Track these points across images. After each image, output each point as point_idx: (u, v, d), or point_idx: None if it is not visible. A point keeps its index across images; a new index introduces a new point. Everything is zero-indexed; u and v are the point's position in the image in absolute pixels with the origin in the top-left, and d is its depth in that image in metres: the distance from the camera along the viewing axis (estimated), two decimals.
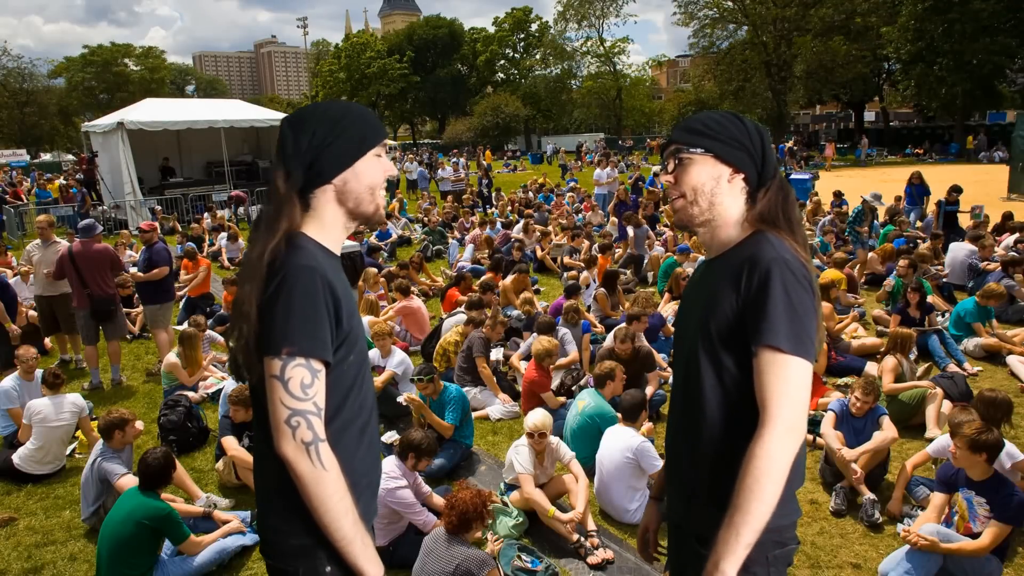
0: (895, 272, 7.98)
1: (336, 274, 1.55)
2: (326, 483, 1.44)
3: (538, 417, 4.12)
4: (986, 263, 8.92)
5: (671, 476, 1.77)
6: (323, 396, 1.48)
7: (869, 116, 51.97)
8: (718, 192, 1.59)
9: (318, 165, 1.57)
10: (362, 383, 1.61)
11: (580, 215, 15.44)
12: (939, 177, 16.68)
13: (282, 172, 1.56)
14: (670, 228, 12.40)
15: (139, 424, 4.42)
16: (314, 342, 1.45)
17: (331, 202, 1.60)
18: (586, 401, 4.88)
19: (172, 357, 6.21)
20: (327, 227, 1.61)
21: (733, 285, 1.52)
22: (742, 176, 1.60)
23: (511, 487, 4.24)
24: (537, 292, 9.70)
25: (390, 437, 5.00)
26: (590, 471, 4.40)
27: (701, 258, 1.84)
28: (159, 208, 17.04)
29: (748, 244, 1.57)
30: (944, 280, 8.66)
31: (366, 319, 7.18)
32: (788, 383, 1.43)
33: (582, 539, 3.85)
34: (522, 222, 12.70)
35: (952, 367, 6.26)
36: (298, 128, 1.57)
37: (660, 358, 6.03)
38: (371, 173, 1.63)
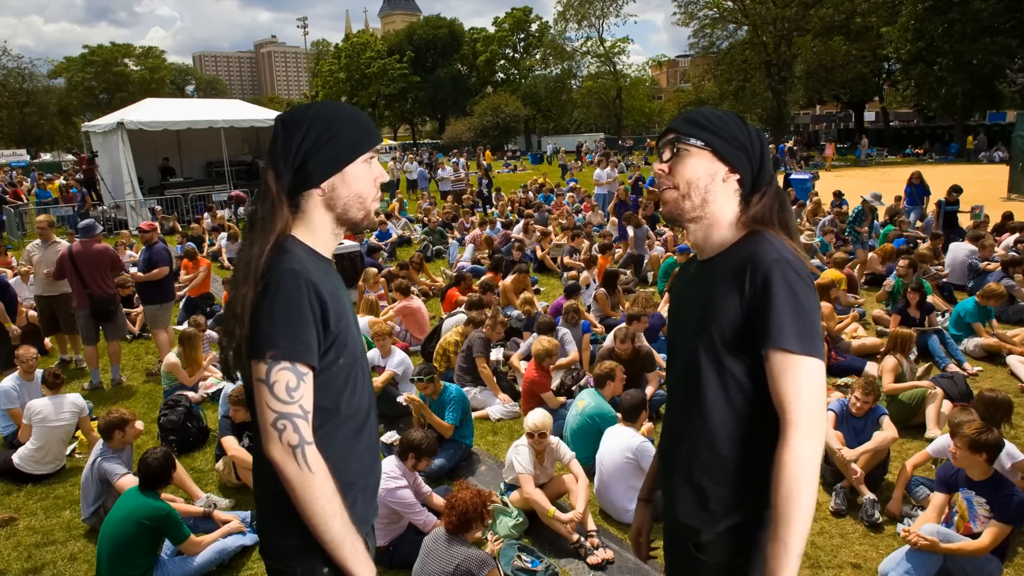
0: (895, 272, 7.98)
1: (324, 277, 1.52)
2: (313, 486, 1.43)
3: (538, 417, 4.12)
4: (986, 263, 8.91)
5: (667, 481, 1.71)
6: (310, 399, 1.47)
7: (869, 116, 51.91)
8: (712, 189, 1.55)
9: (306, 168, 1.55)
10: (355, 385, 1.59)
11: (580, 215, 15.42)
12: (939, 177, 16.68)
13: (272, 172, 1.55)
14: (670, 228, 12.39)
15: (139, 424, 4.42)
16: (298, 345, 1.44)
17: (319, 207, 1.58)
18: (586, 401, 4.88)
19: (172, 357, 6.21)
20: (315, 231, 1.59)
21: (736, 287, 1.47)
22: (737, 177, 1.56)
23: (511, 487, 4.24)
24: (537, 292, 9.69)
25: (390, 437, 5.00)
26: (590, 471, 4.40)
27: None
28: (159, 208, 17.04)
29: (746, 244, 1.53)
30: (944, 280, 8.66)
31: (366, 319, 7.17)
32: (803, 384, 1.40)
33: (582, 539, 3.85)
34: (522, 222, 12.69)
35: (952, 367, 6.26)
36: (290, 128, 1.55)
37: (660, 358, 6.03)
38: (360, 180, 1.60)
